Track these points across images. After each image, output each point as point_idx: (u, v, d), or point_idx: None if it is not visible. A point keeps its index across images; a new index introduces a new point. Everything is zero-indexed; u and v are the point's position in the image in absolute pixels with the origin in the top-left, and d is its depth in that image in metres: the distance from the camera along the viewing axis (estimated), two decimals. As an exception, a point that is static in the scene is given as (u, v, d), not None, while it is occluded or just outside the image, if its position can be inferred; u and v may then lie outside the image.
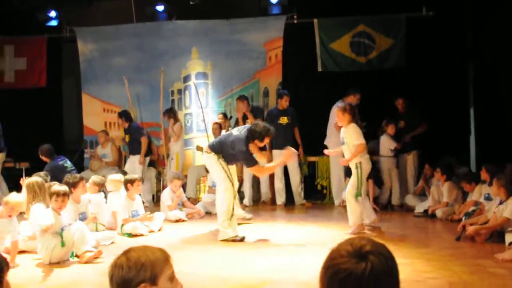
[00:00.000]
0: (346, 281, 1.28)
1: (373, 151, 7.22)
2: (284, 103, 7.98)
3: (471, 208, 5.88)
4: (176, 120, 8.58)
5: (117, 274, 1.65)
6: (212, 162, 5.56)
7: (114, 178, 6.43)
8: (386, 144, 7.44)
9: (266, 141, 5.37)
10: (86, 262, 4.58)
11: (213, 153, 5.55)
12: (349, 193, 5.42)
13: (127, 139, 8.49)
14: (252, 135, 5.25)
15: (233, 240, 5.32)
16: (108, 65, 9.27)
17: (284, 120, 7.95)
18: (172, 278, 1.72)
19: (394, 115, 7.84)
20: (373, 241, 1.35)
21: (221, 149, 5.50)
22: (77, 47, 9.38)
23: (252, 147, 5.27)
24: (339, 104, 6.05)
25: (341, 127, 5.59)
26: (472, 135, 8.92)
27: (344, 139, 5.45)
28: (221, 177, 5.52)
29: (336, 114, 5.52)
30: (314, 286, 3.69)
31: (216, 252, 4.97)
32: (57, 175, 6.37)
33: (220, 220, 5.44)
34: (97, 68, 9.37)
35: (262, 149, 5.51)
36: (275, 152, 7.70)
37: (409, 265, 4.18)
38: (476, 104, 8.73)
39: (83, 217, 5.43)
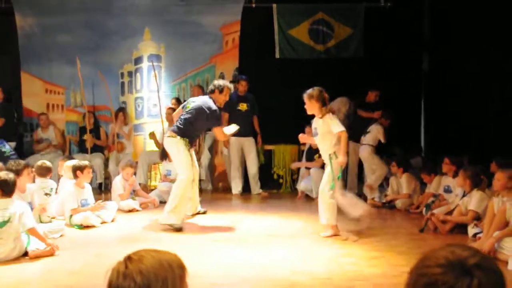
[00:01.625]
0: None
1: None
2: (242, 88, 7.75)
3: (430, 199, 5.97)
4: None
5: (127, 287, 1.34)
6: (177, 147, 5.35)
7: (70, 164, 5.93)
8: (377, 135, 7.16)
9: (226, 95, 5.63)
10: (36, 258, 4.18)
11: (179, 137, 5.34)
12: (324, 188, 4.88)
13: None
14: (212, 89, 5.57)
15: (171, 227, 5.20)
16: (52, 42, 8.56)
17: (243, 106, 7.73)
18: None
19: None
20: (479, 253, 1.16)
21: (187, 129, 5.36)
22: (14, 21, 8.57)
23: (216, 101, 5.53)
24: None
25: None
26: (422, 126, 9.13)
27: (317, 130, 4.95)
28: (184, 164, 5.33)
29: (306, 102, 4.97)
30: (287, 281, 3.55)
31: (175, 245, 4.66)
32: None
33: (169, 204, 5.30)
34: (38, 45, 8.61)
35: None
36: (232, 139, 7.49)
37: (382, 258, 4.13)
38: (427, 96, 8.93)
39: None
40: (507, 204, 4.07)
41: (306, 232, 5.24)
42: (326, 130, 4.86)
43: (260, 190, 7.81)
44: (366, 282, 3.54)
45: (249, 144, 7.77)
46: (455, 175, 5.54)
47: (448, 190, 5.77)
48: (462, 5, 7.17)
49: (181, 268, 1.38)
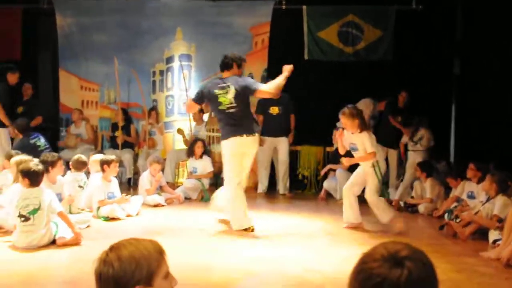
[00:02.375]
0: (379, 287, 1.16)
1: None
2: None
3: (453, 205, 5.89)
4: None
5: (106, 273, 1.47)
6: (224, 152, 5.17)
7: (96, 158, 6.18)
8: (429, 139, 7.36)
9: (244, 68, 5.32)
10: (64, 245, 4.39)
11: (223, 141, 5.15)
12: (372, 197, 5.22)
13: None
14: (229, 63, 5.17)
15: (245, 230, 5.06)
16: (88, 41, 8.89)
17: (274, 110, 7.80)
18: (167, 275, 1.56)
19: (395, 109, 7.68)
20: (410, 246, 1.24)
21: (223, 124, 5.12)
22: (55, 21, 8.96)
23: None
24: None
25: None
26: (452, 131, 8.98)
27: (357, 146, 5.20)
28: (232, 172, 5.07)
29: (343, 121, 5.21)
30: (298, 278, 3.61)
31: (197, 240, 4.81)
32: (27, 154, 6.07)
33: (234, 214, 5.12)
34: (76, 44, 8.96)
35: None
36: (266, 139, 7.67)
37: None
38: (458, 100, 8.77)
39: (58, 199, 5.18)
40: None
41: (324, 232, 5.29)
42: (362, 147, 5.15)
43: (287, 191, 7.87)
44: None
45: (282, 144, 7.85)
46: (479, 181, 5.46)
47: (471, 196, 5.68)
48: (495, 7, 7.04)
49: (159, 252, 1.53)
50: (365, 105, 7.16)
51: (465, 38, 8.46)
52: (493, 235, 4.67)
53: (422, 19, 8.24)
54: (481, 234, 4.95)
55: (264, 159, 7.87)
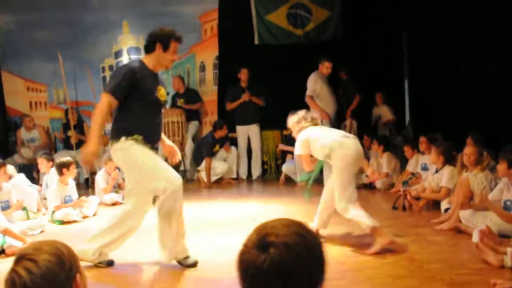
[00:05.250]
0: (254, 276, 1.12)
1: None
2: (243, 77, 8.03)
3: (408, 177, 6.01)
4: None
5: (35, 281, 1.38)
6: None
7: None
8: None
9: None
10: (13, 255, 4.23)
11: None
12: None
13: None
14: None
15: None
16: (30, 39, 8.55)
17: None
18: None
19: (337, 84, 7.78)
20: (282, 228, 1.15)
21: None
22: (-11, 18, 8.56)
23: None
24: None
25: None
26: (406, 106, 9.14)
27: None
28: None
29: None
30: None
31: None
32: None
33: None
34: (16, 43, 8.61)
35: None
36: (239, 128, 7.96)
37: (353, 237, 4.17)
38: (410, 75, 8.92)
39: (5, 206, 5.00)
40: (469, 176, 4.10)
41: (286, 216, 5.27)
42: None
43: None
44: (333, 260, 3.58)
45: (252, 131, 8.13)
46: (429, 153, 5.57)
47: (425, 168, 5.81)
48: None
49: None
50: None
51: (411, 13, 8.56)
52: (444, 204, 4.78)
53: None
54: (434, 203, 5.08)
55: (241, 147, 8.07)
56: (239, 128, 8.04)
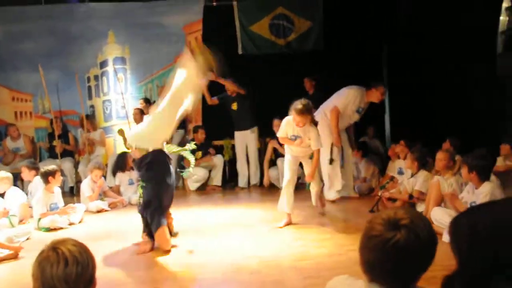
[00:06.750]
0: (378, 244, 1.38)
1: None
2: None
3: (386, 181, 6.20)
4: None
5: (65, 271, 1.56)
6: None
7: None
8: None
9: None
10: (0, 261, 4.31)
11: None
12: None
13: None
14: None
15: None
16: (15, 50, 8.63)
17: (234, 106, 8.02)
18: None
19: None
20: (416, 218, 1.41)
21: None
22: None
23: None
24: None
25: None
26: (387, 114, 9.37)
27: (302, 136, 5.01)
28: None
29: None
30: (236, 265, 3.72)
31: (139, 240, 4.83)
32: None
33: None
34: (2, 53, 8.70)
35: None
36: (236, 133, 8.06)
37: (331, 239, 4.34)
38: (390, 84, 9.15)
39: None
40: (440, 180, 4.30)
41: (266, 220, 5.43)
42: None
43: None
44: (310, 261, 3.74)
45: (248, 137, 8.15)
46: (405, 157, 5.77)
47: (400, 172, 6.01)
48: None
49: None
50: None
51: (392, 25, 8.81)
52: (419, 207, 4.98)
53: (350, 7, 8.52)
54: (411, 206, 5.26)
55: (240, 153, 8.13)
56: (236, 134, 8.08)
